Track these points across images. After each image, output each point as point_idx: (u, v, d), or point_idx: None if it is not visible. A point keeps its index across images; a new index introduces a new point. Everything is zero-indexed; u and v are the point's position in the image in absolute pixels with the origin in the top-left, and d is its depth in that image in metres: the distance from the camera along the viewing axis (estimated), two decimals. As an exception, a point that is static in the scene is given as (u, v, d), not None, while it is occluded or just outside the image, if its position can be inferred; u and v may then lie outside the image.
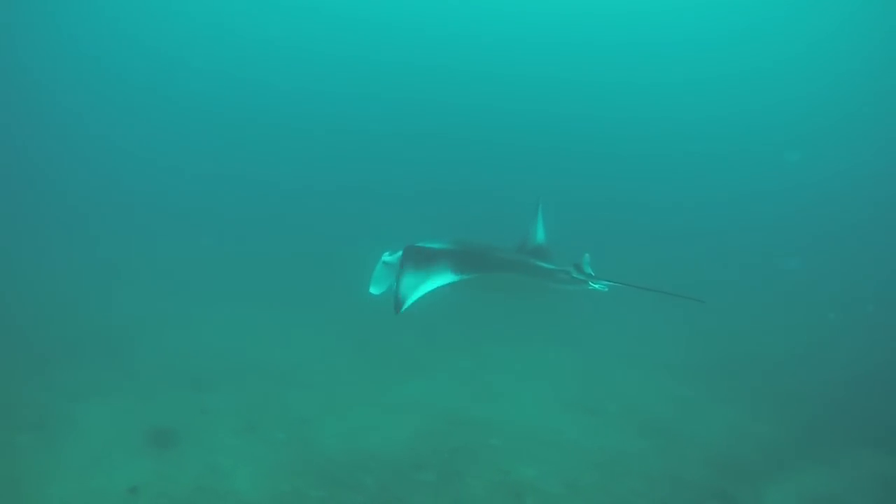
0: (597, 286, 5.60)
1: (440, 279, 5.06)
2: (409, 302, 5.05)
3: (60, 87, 29.16)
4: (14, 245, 13.14)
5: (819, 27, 31.35)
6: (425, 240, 5.32)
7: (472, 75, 35.31)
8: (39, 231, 14.62)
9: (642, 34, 34.49)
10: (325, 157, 27.82)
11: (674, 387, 9.78)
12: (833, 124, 32.40)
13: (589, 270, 5.69)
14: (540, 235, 6.46)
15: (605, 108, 34.26)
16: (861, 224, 23.02)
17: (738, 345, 12.16)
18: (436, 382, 9.40)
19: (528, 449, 7.49)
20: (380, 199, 22.00)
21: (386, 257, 5.63)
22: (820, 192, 27.19)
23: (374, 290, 5.67)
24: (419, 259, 5.02)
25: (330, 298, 12.07)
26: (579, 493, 6.51)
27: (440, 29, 36.10)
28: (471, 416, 8.31)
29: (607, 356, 11.02)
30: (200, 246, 15.19)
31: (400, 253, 5.32)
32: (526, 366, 10.48)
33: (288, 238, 17.03)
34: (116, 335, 9.58)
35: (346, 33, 36.02)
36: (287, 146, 28.59)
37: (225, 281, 12.99)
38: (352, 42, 36.02)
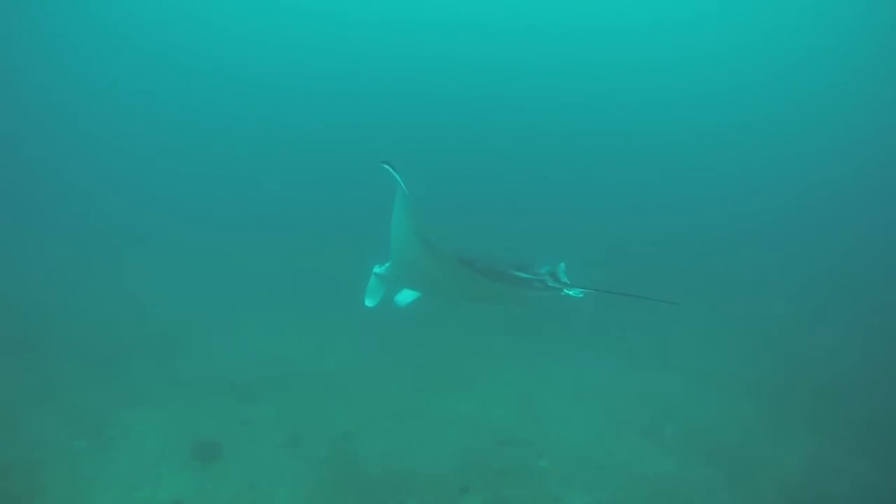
0: (571, 292, 5.64)
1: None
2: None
3: (61, 92, 28.60)
4: (47, 254, 13.28)
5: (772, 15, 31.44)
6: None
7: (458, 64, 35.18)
8: (64, 239, 14.62)
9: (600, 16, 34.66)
10: (333, 154, 26.82)
11: (735, 405, 8.96)
12: (783, 111, 32.77)
13: (564, 278, 5.74)
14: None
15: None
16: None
17: (787, 355, 11.06)
18: (483, 397, 8.96)
19: (579, 473, 6.97)
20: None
21: (377, 269, 5.70)
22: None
23: (369, 302, 5.74)
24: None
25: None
26: (636, 527, 5.95)
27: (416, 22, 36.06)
28: (518, 435, 7.83)
29: (659, 370, 10.25)
30: (227, 248, 14.99)
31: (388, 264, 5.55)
32: (575, 380, 9.85)
33: (313, 238, 16.57)
34: (164, 341, 9.61)
35: (337, 30, 36.14)
36: (288, 144, 27.99)
37: (263, 284, 12.82)
38: (342, 39, 36.17)
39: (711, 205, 23.35)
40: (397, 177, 4.32)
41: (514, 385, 9.52)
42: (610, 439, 7.86)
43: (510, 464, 7.17)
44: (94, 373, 8.17)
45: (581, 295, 5.59)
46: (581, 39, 36.47)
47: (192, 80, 33.34)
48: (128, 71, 31.54)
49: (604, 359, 10.73)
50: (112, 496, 5.80)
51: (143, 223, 16.17)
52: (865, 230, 20.55)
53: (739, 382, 9.69)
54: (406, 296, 6.02)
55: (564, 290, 5.58)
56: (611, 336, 11.90)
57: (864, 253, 18.19)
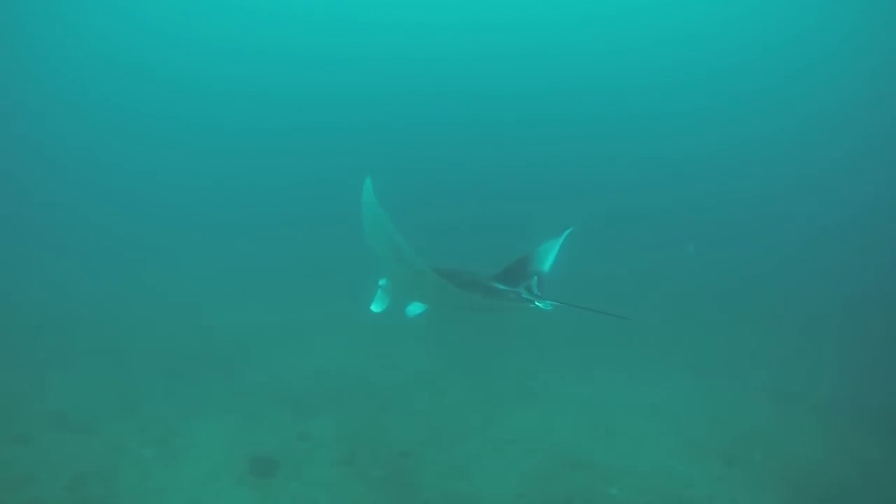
0: (541, 305, 5.86)
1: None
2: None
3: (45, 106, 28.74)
4: (110, 270, 13.50)
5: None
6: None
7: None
8: (122, 257, 14.78)
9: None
10: (334, 156, 26.48)
11: (843, 435, 7.78)
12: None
13: (536, 291, 5.96)
14: (547, 264, 6.38)
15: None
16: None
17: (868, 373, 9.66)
18: (548, 413, 8.31)
19: (655, 505, 6.14)
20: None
21: (381, 282, 6.14)
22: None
23: (375, 308, 6.10)
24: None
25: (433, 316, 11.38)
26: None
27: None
28: (586, 457, 7.13)
29: (736, 388, 9.18)
30: (268, 257, 14.89)
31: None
32: (645, 395, 9.00)
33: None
34: (229, 352, 9.55)
35: (327, 34, 35.64)
36: (296, 149, 27.87)
37: (321, 294, 12.49)
38: (333, 42, 35.66)
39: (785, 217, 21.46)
40: (371, 195, 4.51)
41: (579, 399, 8.79)
42: (688, 465, 7.00)
43: (578, 490, 6.50)
44: (164, 382, 8.22)
45: (550, 308, 5.85)
46: (558, 27, 35.71)
47: (195, 97, 33.33)
48: (129, 89, 31.71)
49: (673, 373, 9.77)
50: (173, 511, 5.64)
51: (184, 238, 16.29)
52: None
53: (844, 408, 8.47)
54: (415, 307, 6.26)
55: (535, 303, 5.82)
56: (679, 348, 10.89)
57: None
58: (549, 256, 6.40)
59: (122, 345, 9.47)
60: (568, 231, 6.56)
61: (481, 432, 7.62)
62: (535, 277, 6.03)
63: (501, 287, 5.78)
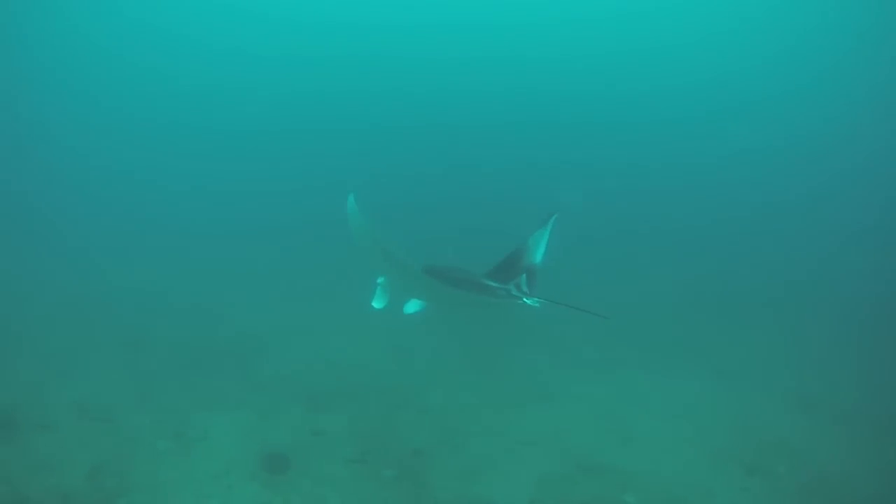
0: (529, 301, 6.04)
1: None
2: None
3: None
4: (133, 265, 13.47)
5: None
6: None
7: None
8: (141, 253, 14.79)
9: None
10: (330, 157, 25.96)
11: (859, 442, 7.43)
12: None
13: (525, 289, 6.10)
14: (538, 254, 6.51)
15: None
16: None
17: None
18: (565, 413, 8.08)
19: (673, 515, 5.90)
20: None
21: (380, 280, 6.36)
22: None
23: (376, 304, 6.30)
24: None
25: (452, 312, 11.20)
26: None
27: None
28: (602, 461, 6.90)
29: (758, 393, 8.81)
30: (277, 256, 14.71)
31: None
32: (664, 397, 8.71)
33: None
34: (244, 346, 9.49)
35: (323, 35, 35.20)
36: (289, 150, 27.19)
37: (336, 290, 12.22)
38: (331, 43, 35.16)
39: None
40: (355, 211, 4.81)
41: (596, 399, 8.55)
42: (708, 473, 6.71)
43: (593, 496, 6.28)
44: (180, 374, 8.20)
45: (538, 305, 6.02)
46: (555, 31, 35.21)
47: (201, 101, 32.41)
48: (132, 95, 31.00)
49: (695, 376, 9.44)
50: (186, 504, 5.59)
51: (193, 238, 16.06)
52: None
53: (873, 417, 8.02)
54: (412, 305, 6.51)
55: (524, 300, 5.97)
56: (702, 351, 10.52)
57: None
58: (539, 247, 6.53)
59: (139, 336, 9.49)
60: (553, 217, 6.61)
61: (496, 432, 7.43)
62: (524, 275, 6.23)
63: (492, 284, 5.96)
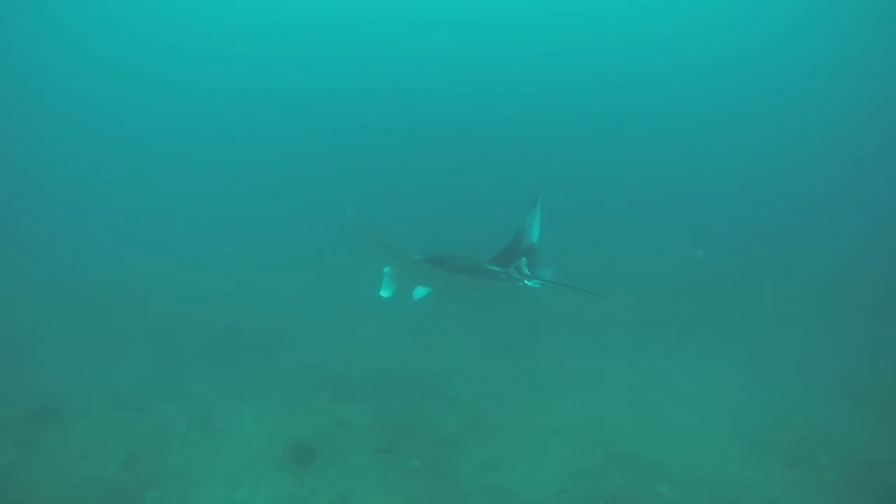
0: (529, 283, 6.22)
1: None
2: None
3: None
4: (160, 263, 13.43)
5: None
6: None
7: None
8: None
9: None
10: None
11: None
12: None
13: (525, 271, 6.28)
14: (535, 233, 6.71)
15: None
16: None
17: None
18: (592, 401, 7.84)
19: (707, 507, 5.64)
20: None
21: (386, 270, 6.45)
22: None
23: (384, 293, 6.37)
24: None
25: (479, 300, 10.98)
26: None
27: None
28: (632, 450, 6.66)
29: (797, 380, 8.35)
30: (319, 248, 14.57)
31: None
32: (696, 383, 8.37)
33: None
34: (271, 337, 9.46)
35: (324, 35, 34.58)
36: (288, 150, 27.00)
37: (354, 280, 12.21)
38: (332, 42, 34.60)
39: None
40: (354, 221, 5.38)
41: (625, 385, 8.28)
42: (744, 464, 6.42)
43: (623, 487, 6.07)
44: (209, 365, 8.25)
45: (538, 286, 6.23)
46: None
47: (218, 105, 32.05)
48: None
49: (730, 361, 9.06)
50: (214, 495, 5.63)
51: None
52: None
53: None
54: (419, 291, 6.69)
55: (524, 282, 6.17)
56: (738, 335, 10.08)
57: None
58: (534, 227, 6.74)
59: (168, 328, 9.59)
60: (539, 196, 6.76)
61: (523, 421, 7.26)
62: (524, 258, 6.45)
63: (493, 268, 6.25)
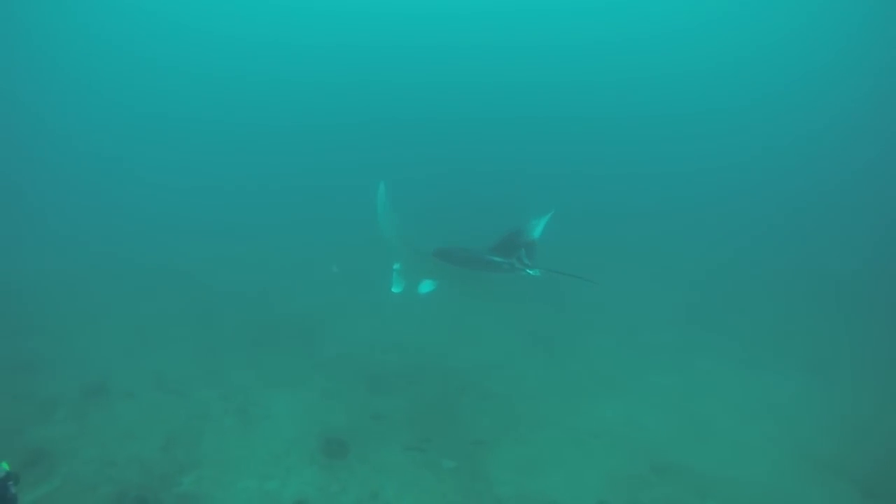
0: (531, 272, 6.56)
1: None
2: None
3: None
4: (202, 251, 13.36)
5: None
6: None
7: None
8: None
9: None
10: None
11: None
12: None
13: (526, 261, 6.59)
14: (537, 233, 6.88)
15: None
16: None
17: None
18: (635, 404, 7.35)
19: (763, 532, 5.10)
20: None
21: (396, 266, 6.68)
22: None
23: (395, 289, 6.63)
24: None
25: (521, 293, 10.54)
26: None
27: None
28: (678, 462, 6.15)
29: (878, 398, 7.50)
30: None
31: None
32: (748, 392, 7.72)
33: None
34: (310, 322, 9.34)
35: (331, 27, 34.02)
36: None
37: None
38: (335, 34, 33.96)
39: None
40: (384, 198, 5.79)
41: (671, 391, 7.72)
42: (808, 488, 5.79)
43: (667, 501, 5.58)
44: (248, 350, 8.20)
45: (538, 274, 6.57)
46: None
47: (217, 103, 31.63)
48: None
49: (780, 367, 8.34)
50: (247, 484, 5.52)
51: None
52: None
53: None
54: (426, 285, 6.90)
55: (526, 271, 6.52)
56: (796, 341, 9.27)
57: None
58: (537, 228, 7.00)
59: (211, 313, 9.60)
60: (552, 212, 7.01)
61: (562, 423, 6.84)
62: (523, 249, 6.74)
63: (497, 259, 6.59)
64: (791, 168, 23.06)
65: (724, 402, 7.43)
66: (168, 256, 12.69)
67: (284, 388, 7.13)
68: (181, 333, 8.69)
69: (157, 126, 27.55)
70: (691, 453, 6.32)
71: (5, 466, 2.64)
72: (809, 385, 7.76)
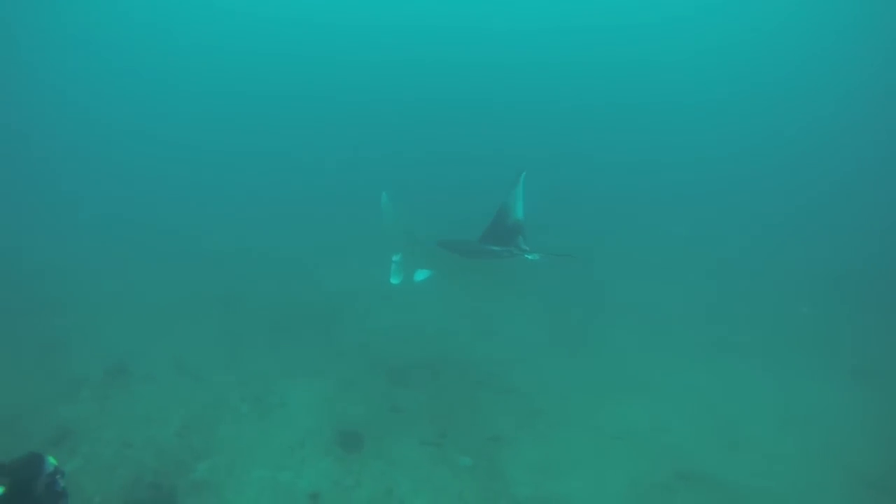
0: (530, 257, 6.67)
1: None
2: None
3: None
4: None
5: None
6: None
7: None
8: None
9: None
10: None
11: None
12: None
13: (525, 246, 6.64)
14: (519, 210, 6.77)
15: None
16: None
17: None
18: (661, 405, 6.99)
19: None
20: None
21: (395, 258, 6.70)
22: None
23: (393, 280, 6.66)
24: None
25: (540, 283, 10.20)
26: None
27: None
28: (706, 470, 5.81)
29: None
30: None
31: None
32: (784, 398, 7.28)
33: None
34: (330, 307, 9.16)
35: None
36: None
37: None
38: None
39: None
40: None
41: (698, 392, 7.33)
42: (848, 501, 5.35)
43: (694, 512, 5.24)
44: (267, 337, 8.07)
45: (537, 258, 6.67)
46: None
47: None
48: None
49: (819, 370, 7.83)
50: (260, 474, 5.39)
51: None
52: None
53: None
54: (421, 274, 7.00)
55: (526, 255, 6.62)
56: (826, 339, 8.76)
57: None
58: (517, 204, 6.83)
59: (235, 295, 9.53)
60: (523, 174, 6.82)
61: (583, 421, 6.55)
62: (521, 236, 6.79)
63: (497, 248, 6.68)
64: (825, 151, 22.04)
65: (757, 407, 7.01)
66: (195, 240, 12.67)
67: (302, 377, 6.98)
68: (203, 315, 8.61)
69: (187, 105, 27.77)
70: (720, 461, 5.97)
71: (52, 461, 2.53)
72: (854, 392, 7.26)
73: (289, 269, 10.99)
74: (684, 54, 32.47)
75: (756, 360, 8.18)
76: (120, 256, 11.45)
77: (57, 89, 26.81)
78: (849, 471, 5.80)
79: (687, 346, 8.63)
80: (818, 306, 10.13)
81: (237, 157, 21.86)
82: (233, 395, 6.55)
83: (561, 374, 7.59)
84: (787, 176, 20.26)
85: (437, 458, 5.68)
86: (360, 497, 5.08)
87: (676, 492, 5.49)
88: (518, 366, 7.71)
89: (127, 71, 29.84)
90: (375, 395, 6.70)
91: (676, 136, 25.65)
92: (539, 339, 8.57)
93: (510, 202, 6.84)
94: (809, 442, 6.26)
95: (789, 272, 12.07)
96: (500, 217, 6.76)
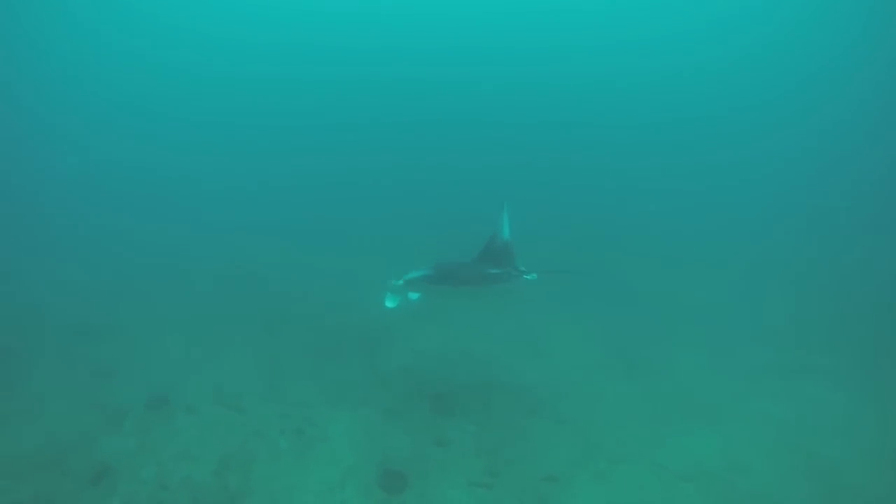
0: (528, 277, 6.54)
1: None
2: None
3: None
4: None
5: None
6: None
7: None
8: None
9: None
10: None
11: None
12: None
13: (522, 268, 6.55)
14: (506, 233, 6.87)
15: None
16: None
17: None
18: (734, 439, 6.23)
19: None
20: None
21: (396, 282, 6.41)
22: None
23: (389, 304, 6.38)
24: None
25: (599, 301, 9.52)
26: None
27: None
28: (794, 516, 4.97)
29: None
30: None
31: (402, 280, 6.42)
32: (880, 429, 6.32)
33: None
34: (374, 330, 8.71)
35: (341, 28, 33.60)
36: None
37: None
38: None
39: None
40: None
41: (777, 423, 6.51)
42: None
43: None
44: (310, 361, 7.72)
45: (535, 278, 6.54)
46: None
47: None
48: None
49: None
50: (299, 517, 4.96)
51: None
52: None
53: None
54: (414, 294, 6.68)
55: (524, 276, 6.50)
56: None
57: None
58: (503, 226, 6.84)
59: (277, 318, 9.25)
60: (505, 204, 6.82)
61: (646, 457, 5.86)
62: (516, 256, 6.67)
63: (494, 271, 6.51)
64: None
65: (846, 439, 6.12)
66: (232, 261, 12.59)
67: (344, 407, 6.58)
68: (243, 340, 8.36)
69: (216, 132, 28.47)
70: (809, 506, 5.15)
71: None
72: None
73: (330, 289, 10.69)
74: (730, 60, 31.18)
75: (840, 385, 7.23)
76: (160, 281, 11.46)
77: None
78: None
79: (760, 367, 7.78)
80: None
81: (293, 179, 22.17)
82: (272, 429, 6.18)
83: (617, 400, 6.92)
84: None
85: (487, 500, 5.13)
86: (403, 549, 4.60)
87: (764, 548, 4.75)
88: (572, 391, 7.08)
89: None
90: (420, 425, 6.22)
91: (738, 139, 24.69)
92: (591, 357, 7.93)
93: (497, 228, 6.84)
94: (918, 484, 5.35)
95: (870, 283, 10.91)
96: (491, 241, 6.76)
